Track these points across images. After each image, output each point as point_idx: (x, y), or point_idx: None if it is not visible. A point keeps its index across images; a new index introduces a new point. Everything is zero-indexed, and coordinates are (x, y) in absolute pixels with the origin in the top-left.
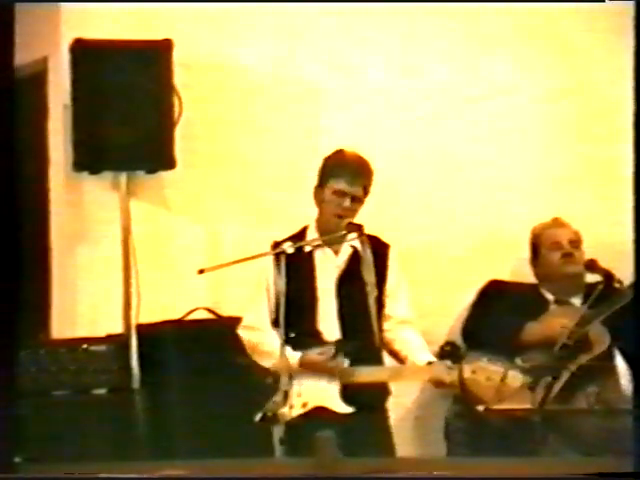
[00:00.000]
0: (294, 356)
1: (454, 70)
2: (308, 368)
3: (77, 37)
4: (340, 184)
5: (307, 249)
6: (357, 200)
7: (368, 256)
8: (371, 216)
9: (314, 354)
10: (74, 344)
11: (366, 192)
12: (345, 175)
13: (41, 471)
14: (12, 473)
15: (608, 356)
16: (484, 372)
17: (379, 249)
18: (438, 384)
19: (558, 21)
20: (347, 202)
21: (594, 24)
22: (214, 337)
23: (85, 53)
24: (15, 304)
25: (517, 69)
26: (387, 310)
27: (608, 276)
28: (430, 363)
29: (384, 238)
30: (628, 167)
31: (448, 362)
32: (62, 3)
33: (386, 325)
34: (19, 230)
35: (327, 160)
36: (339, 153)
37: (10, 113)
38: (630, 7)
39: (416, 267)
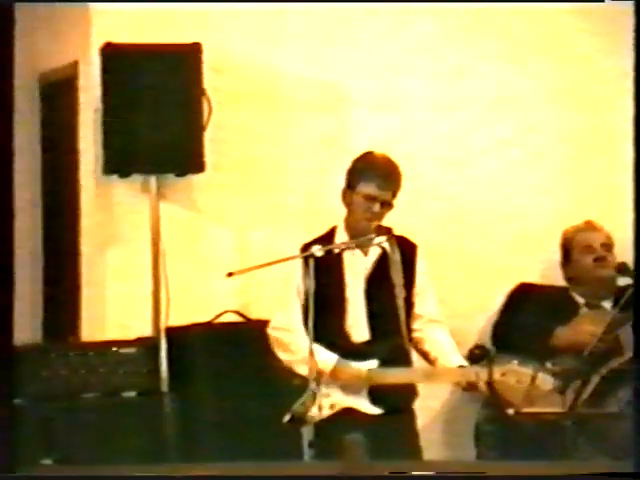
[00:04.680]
0: (329, 359)
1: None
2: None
3: (107, 41)
4: (370, 188)
5: (336, 251)
6: (386, 205)
7: (396, 258)
8: (402, 216)
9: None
10: (104, 347)
11: (394, 196)
12: (375, 179)
13: (64, 471)
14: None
15: None
16: (515, 375)
17: (407, 250)
18: (468, 387)
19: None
20: (377, 207)
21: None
22: (243, 340)
23: (115, 57)
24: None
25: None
26: (416, 309)
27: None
28: (461, 367)
29: (414, 240)
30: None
31: (479, 366)
32: (91, 3)
33: (416, 325)
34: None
35: (356, 162)
36: (369, 155)
37: (10, 114)
38: (630, 7)
39: (445, 269)
